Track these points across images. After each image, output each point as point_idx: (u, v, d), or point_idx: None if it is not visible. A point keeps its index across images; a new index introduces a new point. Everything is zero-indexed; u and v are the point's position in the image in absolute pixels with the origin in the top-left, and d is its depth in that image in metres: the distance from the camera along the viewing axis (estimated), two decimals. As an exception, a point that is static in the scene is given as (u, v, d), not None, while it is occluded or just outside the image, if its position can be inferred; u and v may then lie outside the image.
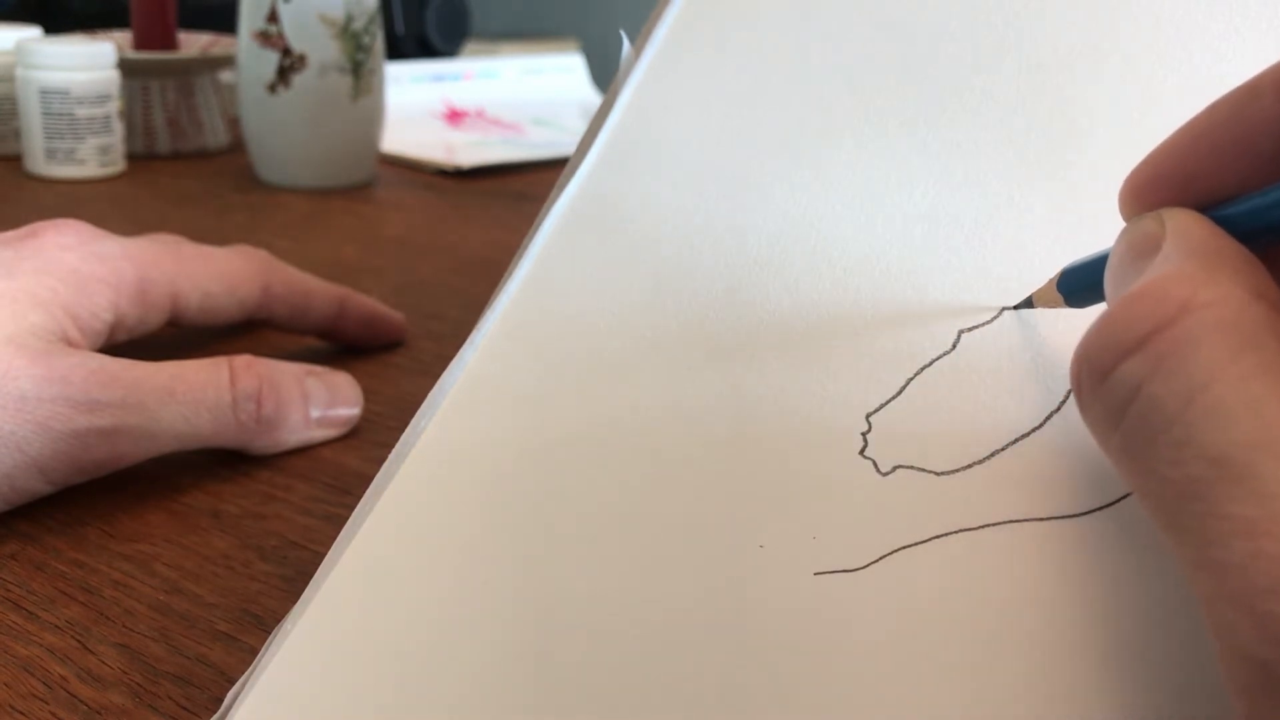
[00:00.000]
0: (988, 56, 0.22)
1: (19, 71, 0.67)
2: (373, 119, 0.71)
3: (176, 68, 0.75)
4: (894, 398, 0.21)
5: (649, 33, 0.22)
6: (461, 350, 0.22)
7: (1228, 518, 0.14)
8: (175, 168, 0.74)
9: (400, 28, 1.31)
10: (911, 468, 0.21)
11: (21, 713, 0.23)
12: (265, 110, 0.68)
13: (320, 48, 0.66)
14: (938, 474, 0.21)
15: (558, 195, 0.22)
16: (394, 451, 0.21)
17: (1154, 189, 0.19)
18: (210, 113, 0.78)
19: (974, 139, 0.22)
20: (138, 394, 0.30)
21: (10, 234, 0.34)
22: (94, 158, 0.68)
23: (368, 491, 0.21)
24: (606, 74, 0.36)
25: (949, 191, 0.22)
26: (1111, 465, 0.17)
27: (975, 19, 0.22)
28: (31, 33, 0.74)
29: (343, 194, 0.69)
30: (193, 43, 0.80)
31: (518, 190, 0.73)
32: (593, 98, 0.99)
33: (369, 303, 0.43)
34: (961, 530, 0.21)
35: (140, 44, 0.77)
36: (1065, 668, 0.20)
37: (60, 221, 0.34)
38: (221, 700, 0.20)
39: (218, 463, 0.34)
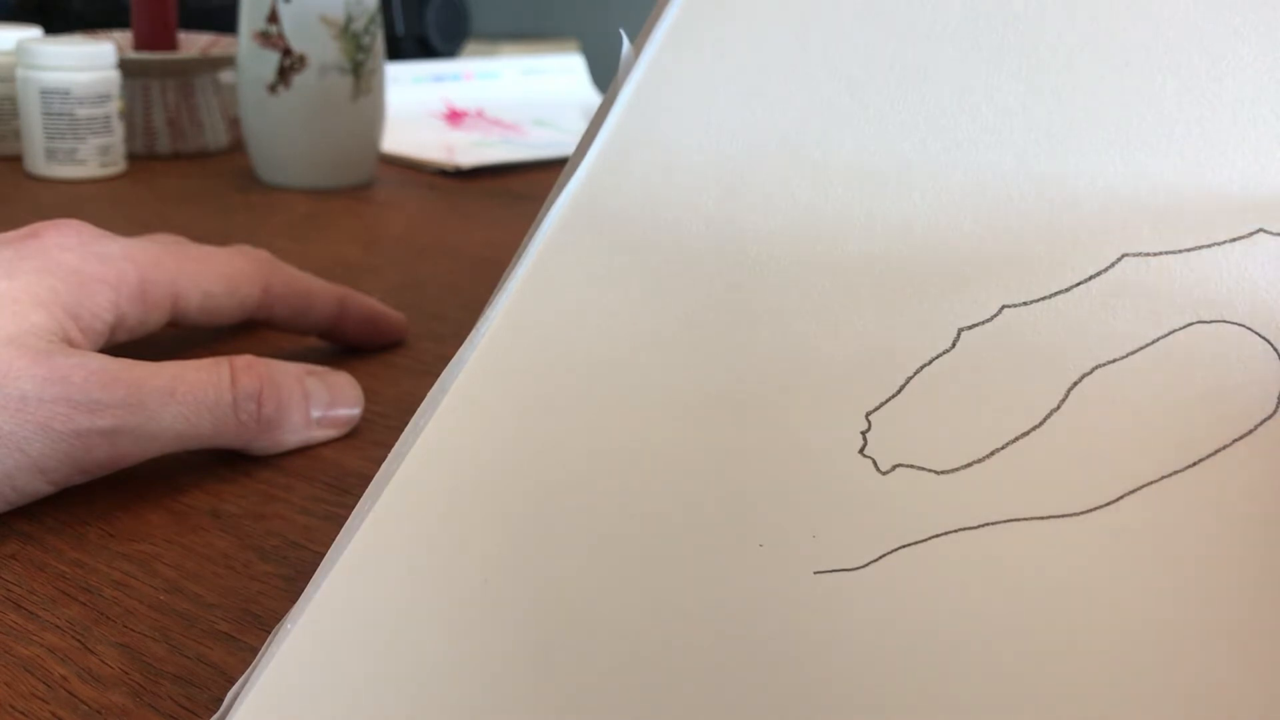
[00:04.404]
0: (988, 56, 0.22)
1: (19, 71, 0.67)
2: (373, 119, 0.71)
3: (177, 68, 0.76)
4: (894, 396, 0.21)
5: (649, 33, 0.22)
6: (461, 350, 0.22)
7: None
8: (175, 168, 0.74)
9: (400, 28, 1.31)
10: (911, 466, 0.21)
11: (22, 713, 0.23)
12: (265, 110, 0.68)
13: (320, 48, 0.66)
14: (938, 473, 0.21)
15: (558, 195, 0.22)
16: (394, 451, 0.21)
17: None
18: (210, 113, 0.78)
19: (974, 139, 0.22)
20: (139, 394, 0.30)
21: (11, 234, 0.34)
22: (94, 158, 0.68)
23: (367, 491, 0.21)
24: (606, 74, 0.36)
25: (949, 191, 0.22)
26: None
27: (975, 19, 0.22)
28: (32, 33, 0.74)
29: (343, 194, 0.69)
30: (193, 43, 0.80)
31: (518, 190, 0.73)
32: (593, 98, 0.99)
33: (369, 303, 0.43)
34: (961, 530, 0.21)
35: (140, 44, 0.77)
36: (1065, 667, 0.20)
37: (61, 222, 0.34)
38: (221, 700, 0.20)
39: (218, 463, 0.34)
